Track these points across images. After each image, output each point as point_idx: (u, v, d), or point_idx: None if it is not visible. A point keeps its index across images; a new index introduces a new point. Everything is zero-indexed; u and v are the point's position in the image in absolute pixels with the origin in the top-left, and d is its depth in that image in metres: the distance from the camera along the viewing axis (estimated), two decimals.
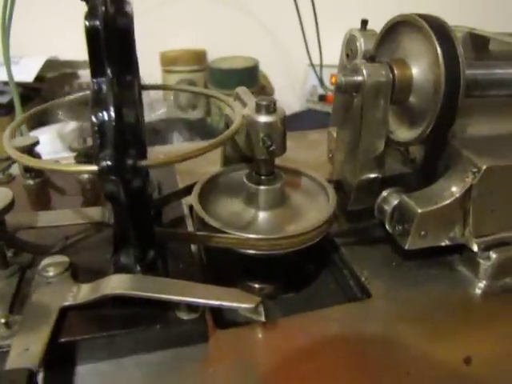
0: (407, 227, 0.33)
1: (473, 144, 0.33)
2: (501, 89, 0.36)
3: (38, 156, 0.42)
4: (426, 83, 0.32)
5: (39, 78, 0.90)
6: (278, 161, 0.35)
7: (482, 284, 0.34)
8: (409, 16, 0.32)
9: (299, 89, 1.20)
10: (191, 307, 0.27)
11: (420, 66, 0.32)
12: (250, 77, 1.07)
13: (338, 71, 0.42)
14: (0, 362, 0.24)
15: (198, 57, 1.11)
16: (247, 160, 0.37)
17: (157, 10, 1.07)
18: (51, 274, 0.29)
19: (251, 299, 0.26)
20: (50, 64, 0.92)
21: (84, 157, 0.41)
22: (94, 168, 0.23)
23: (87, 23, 0.24)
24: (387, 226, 0.35)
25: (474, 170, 0.31)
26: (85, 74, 0.98)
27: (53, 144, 0.67)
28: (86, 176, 0.41)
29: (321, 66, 1.11)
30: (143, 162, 0.23)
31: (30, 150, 0.41)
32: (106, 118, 0.23)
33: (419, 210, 0.32)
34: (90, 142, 0.41)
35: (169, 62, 1.10)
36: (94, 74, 0.24)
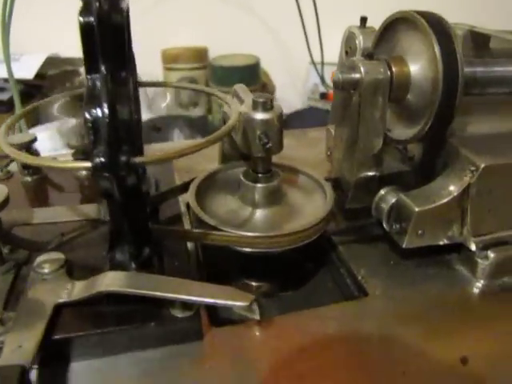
0: (404, 226, 0.33)
1: (471, 142, 0.33)
2: (500, 87, 0.35)
3: (35, 153, 0.42)
4: (424, 81, 0.32)
5: (40, 76, 0.90)
6: (275, 158, 0.35)
7: (479, 283, 0.33)
8: (407, 13, 0.32)
9: (301, 87, 1.20)
10: (186, 305, 0.27)
11: (418, 64, 0.32)
12: (251, 74, 1.07)
13: (337, 69, 0.42)
14: None
15: (200, 54, 1.11)
16: (245, 157, 0.37)
17: (158, 8, 1.07)
18: (46, 270, 0.29)
19: (245, 297, 0.26)
20: (51, 61, 0.92)
21: (82, 154, 0.41)
22: (88, 165, 0.23)
23: (81, 19, 0.23)
24: (384, 225, 0.35)
25: (472, 168, 0.31)
26: None
27: (52, 141, 0.67)
28: (83, 173, 0.41)
29: (322, 63, 1.11)
30: (137, 159, 0.23)
31: (28, 146, 0.41)
32: (99, 114, 0.23)
33: (416, 209, 0.32)
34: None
35: (170, 59, 1.10)
36: (88, 71, 0.24)
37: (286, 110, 1.12)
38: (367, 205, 0.36)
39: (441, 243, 0.34)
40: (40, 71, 0.90)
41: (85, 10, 0.23)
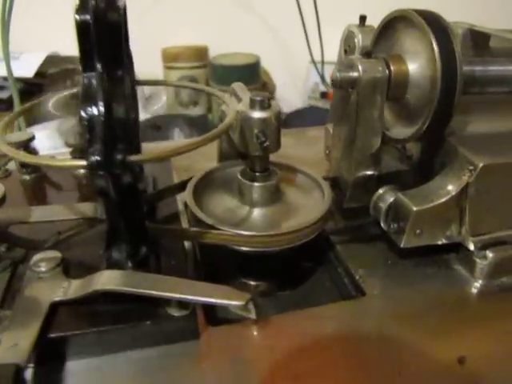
0: (402, 225, 0.32)
1: (470, 141, 0.33)
2: (500, 86, 0.35)
3: (34, 151, 0.42)
4: (423, 79, 0.31)
5: (40, 74, 0.90)
6: (274, 157, 0.35)
7: (478, 283, 0.33)
8: (405, 11, 0.32)
9: (301, 86, 1.20)
10: (182, 304, 0.27)
11: (417, 62, 0.32)
12: (251, 73, 1.07)
13: (336, 67, 0.42)
14: None
15: (200, 53, 1.11)
16: (243, 156, 0.37)
17: (158, 7, 1.06)
18: (43, 269, 0.29)
19: (241, 296, 0.26)
20: (51, 60, 0.92)
21: (80, 152, 0.41)
22: (83, 163, 0.23)
23: (77, 17, 0.23)
24: (382, 224, 0.34)
25: (471, 167, 0.31)
26: None
27: (52, 140, 0.67)
28: (81, 171, 0.41)
29: (322, 62, 1.11)
30: (132, 157, 0.23)
31: (26, 145, 0.41)
32: (95, 112, 0.23)
33: (414, 208, 0.32)
34: None
35: (170, 58, 1.10)
36: (84, 69, 0.24)
37: (287, 109, 1.12)
38: (365, 204, 0.36)
39: (439, 243, 0.34)
40: (40, 70, 0.90)
41: (81, 8, 0.23)
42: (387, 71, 0.31)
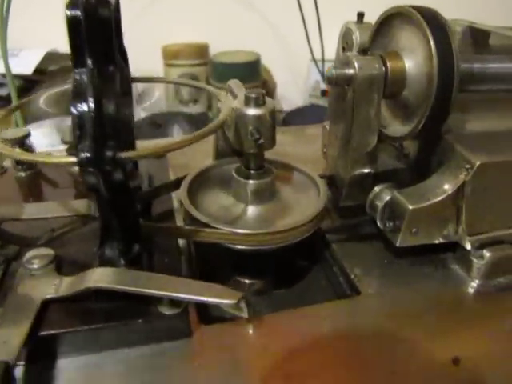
0: (398, 224, 0.32)
1: (467, 140, 0.32)
2: (498, 83, 0.35)
3: (30, 148, 0.42)
4: (420, 76, 0.31)
5: (40, 71, 0.90)
6: (272, 154, 0.34)
7: (474, 283, 0.33)
8: (402, 8, 0.31)
9: (302, 84, 1.20)
10: (174, 302, 0.27)
11: (414, 59, 0.31)
12: (251, 71, 1.07)
13: (333, 64, 0.42)
14: None
15: (200, 51, 1.10)
16: (238, 154, 0.36)
17: (159, 4, 1.06)
18: (35, 266, 0.29)
19: (233, 295, 0.26)
20: (51, 57, 0.92)
21: (75, 149, 0.41)
22: (73, 159, 0.23)
23: (68, 13, 0.23)
24: (378, 223, 0.34)
25: (468, 166, 0.31)
26: None
27: (50, 137, 0.67)
28: (76, 168, 0.40)
29: (323, 60, 1.10)
30: (122, 154, 0.23)
31: (22, 142, 0.41)
32: (85, 109, 0.23)
33: (410, 207, 0.31)
34: None
35: (171, 55, 1.09)
36: (75, 65, 0.24)
37: (287, 107, 1.12)
38: (362, 202, 0.36)
39: (436, 242, 0.33)
40: (40, 67, 0.89)
41: (71, 3, 0.23)
42: (384, 68, 0.31)
